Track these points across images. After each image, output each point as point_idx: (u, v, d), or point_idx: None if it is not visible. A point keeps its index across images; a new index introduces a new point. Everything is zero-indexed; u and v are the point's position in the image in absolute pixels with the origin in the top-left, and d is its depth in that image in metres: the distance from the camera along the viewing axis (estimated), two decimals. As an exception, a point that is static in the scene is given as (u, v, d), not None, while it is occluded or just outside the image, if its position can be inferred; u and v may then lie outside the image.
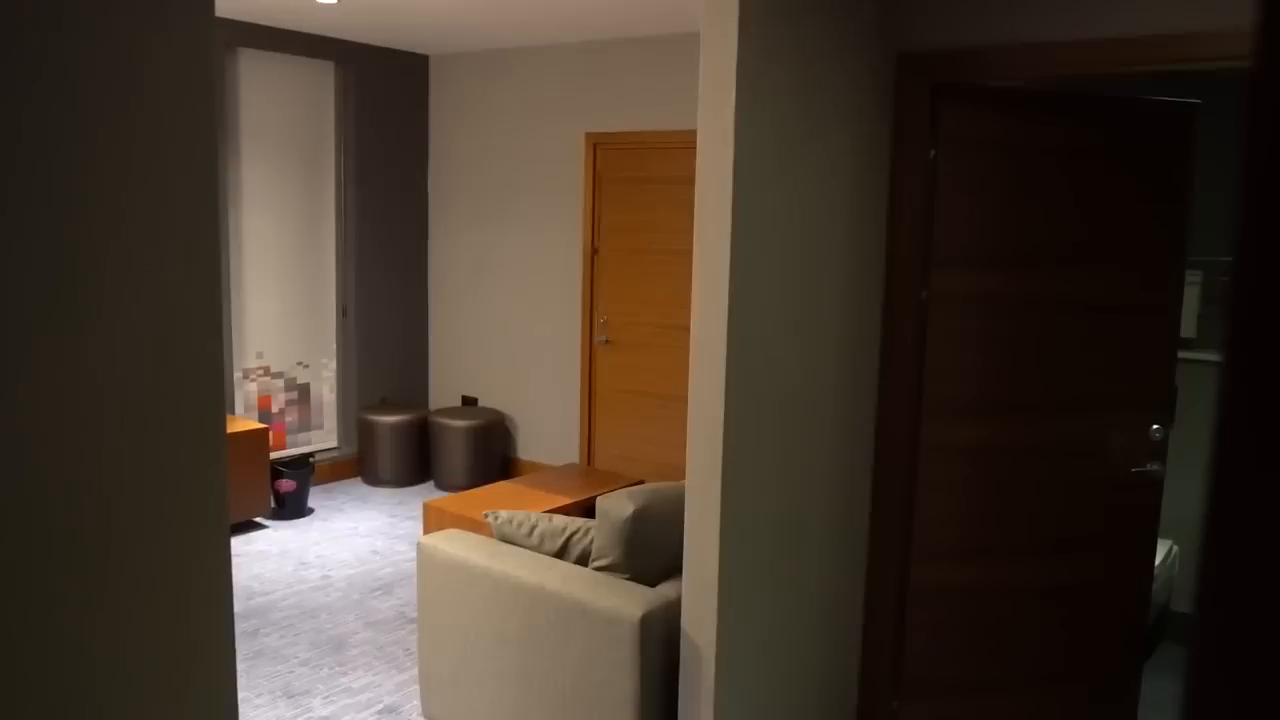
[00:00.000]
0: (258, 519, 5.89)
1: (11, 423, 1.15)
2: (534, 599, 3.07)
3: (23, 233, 1.14)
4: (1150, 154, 3.27)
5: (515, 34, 6.09)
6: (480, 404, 7.09)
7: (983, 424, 3.30)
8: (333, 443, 6.86)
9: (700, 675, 2.78)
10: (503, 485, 5.52)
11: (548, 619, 3.04)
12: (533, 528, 3.38)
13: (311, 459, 6.35)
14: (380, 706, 3.80)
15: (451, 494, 5.80)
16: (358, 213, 6.70)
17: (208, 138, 1.31)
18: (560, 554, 3.31)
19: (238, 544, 5.50)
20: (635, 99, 6.08)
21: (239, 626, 4.48)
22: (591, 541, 3.25)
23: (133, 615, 1.30)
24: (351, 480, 6.84)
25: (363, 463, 6.76)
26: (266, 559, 5.29)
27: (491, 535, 3.49)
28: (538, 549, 3.34)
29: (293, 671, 4.05)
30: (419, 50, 6.86)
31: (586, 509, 5.25)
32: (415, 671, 4.09)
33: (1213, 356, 4.53)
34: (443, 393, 7.31)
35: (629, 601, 2.88)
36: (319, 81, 6.49)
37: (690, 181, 5.77)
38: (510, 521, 3.42)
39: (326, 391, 6.80)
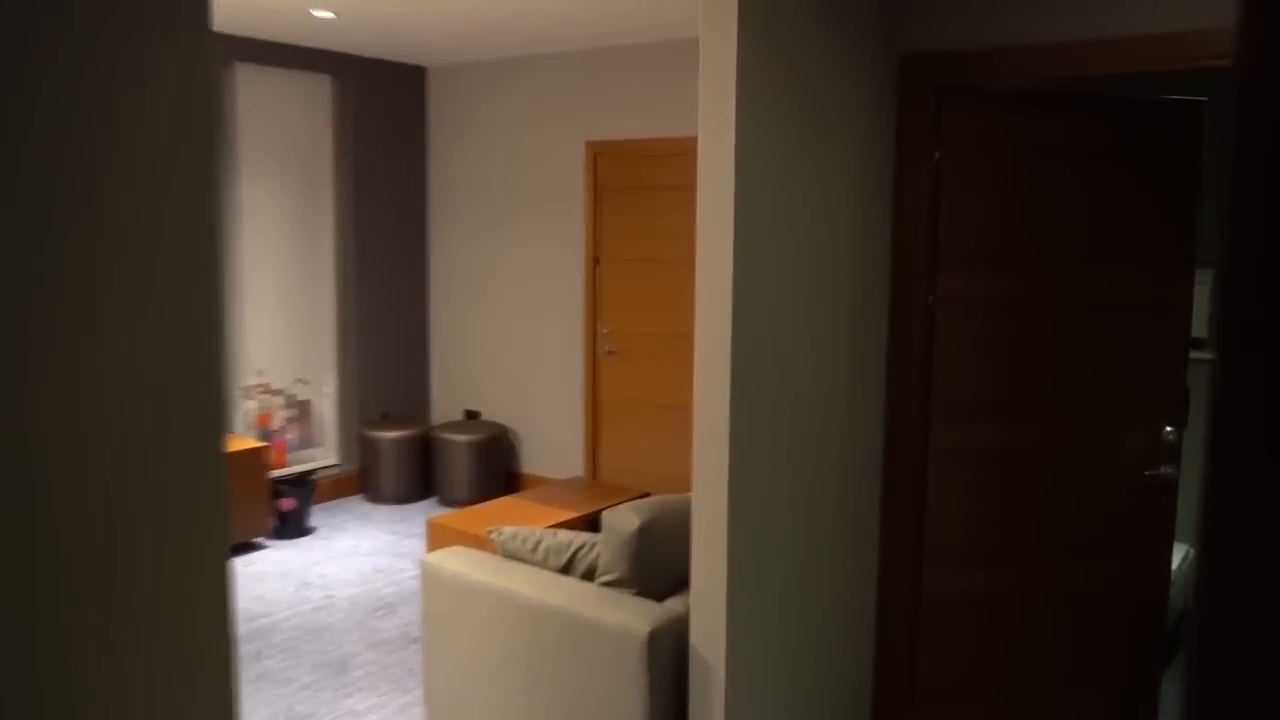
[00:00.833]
0: (258, 539, 5.89)
1: (13, 440, 1.16)
2: (539, 616, 3.07)
3: (25, 251, 1.15)
4: (1158, 153, 3.28)
5: (513, 43, 6.11)
6: (483, 418, 7.10)
7: (992, 427, 3.30)
8: (334, 459, 6.87)
9: (710, 691, 2.78)
10: (507, 500, 5.52)
11: (554, 636, 3.04)
12: (538, 543, 3.38)
13: (312, 476, 6.36)
14: (386, 727, 3.80)
15: (455, 510, 5.80)
16: (357, 227, 6.72)
17: (209, 154, 1.32)
18: (566, 570, 3.31)
19: (238, 565, 5.50)
20: (636, 106, 6.10)
21: (240, 650, 4.48)
22: (598, 556, 3.26)
23: (134, 639, 1.31)
24: (353, 498, 6.84)
25: (364, 480, 6.77)
26: (267, 579, 5.29)
27: (496, 552, 3.49)
28: (543, 565, 3.34)
29: (295, 695, 4.05)
30: (417, 62, 6.89)
31: (592, 523, 5.24)
32: (420, 693, 4.09)
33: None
34: (444, 407, 7.32)
35: (636, 617, 2.88)
36: (316, 95, 6.52)
37: (693, 188, 5.78)
38: (515, 537, 3.43)
39: (327, 408, 6.81)
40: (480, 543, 4.75)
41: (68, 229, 1.19)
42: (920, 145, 3.15)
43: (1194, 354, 4.42)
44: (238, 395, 6.27)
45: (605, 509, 3.33)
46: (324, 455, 6.81)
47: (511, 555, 3.42)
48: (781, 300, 2.82)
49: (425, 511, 6.53)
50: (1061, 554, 3.39)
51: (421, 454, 6.75)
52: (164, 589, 1.34)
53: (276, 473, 6.34)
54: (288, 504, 5.92)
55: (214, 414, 1.37)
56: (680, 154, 5.88)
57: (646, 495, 5.70)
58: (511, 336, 6.88)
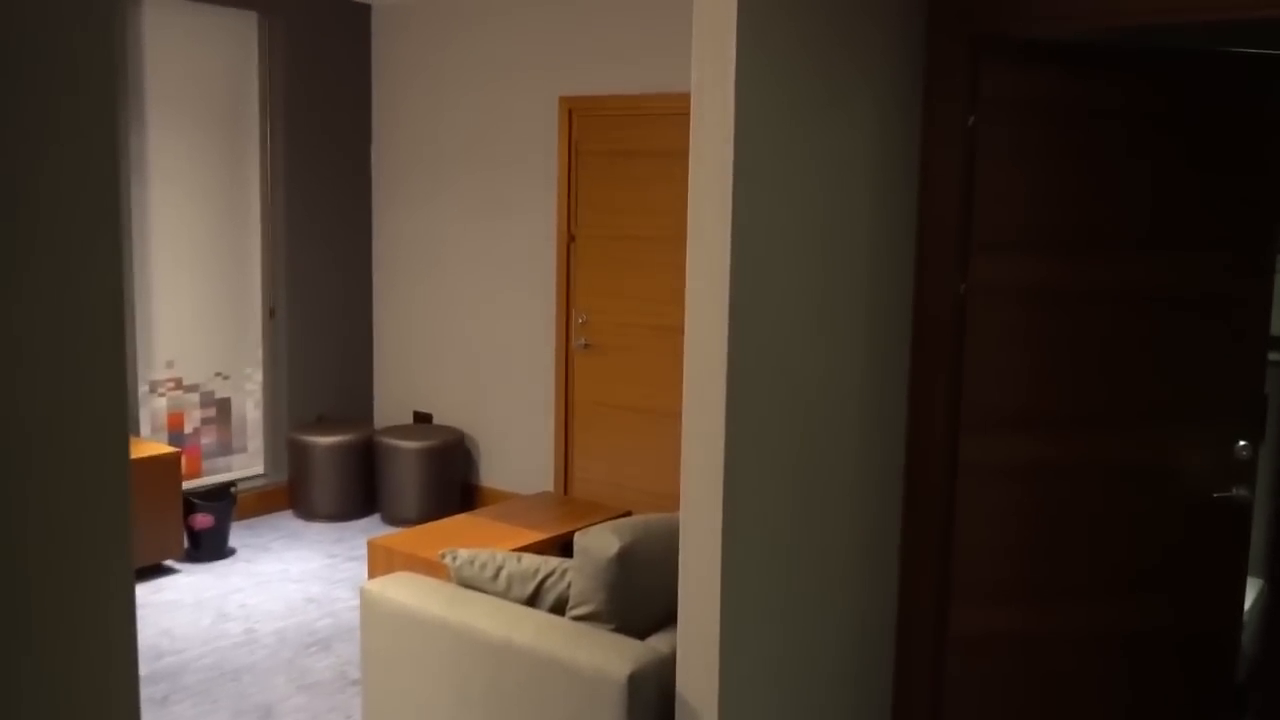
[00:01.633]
0: (167, 562, 5.88)
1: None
2: (501, 655, 3.08)
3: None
4: (1233, 118, 3.30)
5: (475, -22, 6.10)
6: (435, 421, 7.10)
7: (1033, 439, 3.32)
8: (259, 469, 6.85)
9: (699, 744, 2.79)
10: (462, 519, 5.52)
11: (518, 679, 3.05)
12: (499, 569, 3.39)
13: (233, 489, 6.34)
14: (317, 786, 3.80)
15: (401, 529, 5.80)
16: (287, 194, 6.71)
17: (107, 104, 1.32)
18: (532, 601, 3.32)
19: (144, 592, 5.50)
20: (619, 56, 6.10)
21: (145, 692, 4.48)
22: (569, 586, 3.26)
23: (15, 680, 1.30)
24: (281, 513, 6.83)
25: (294, 493, 6.76)
26: (179, 610, 5.28)
27: (449, 579, 3.49)
28: (505, 595, 3.35)
29: (211, 745, 4.05)
30: (359, -2, 6.88)
31: (563, 547, 5.25)
32: (359, 743, 4.09)
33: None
34: (390, 408, 7.31)
35: (614, 657, 2.89)
36: (240, 35, 6.50)
37: (685, 154, 5.79)
38: (472, 562, 3.43)
39: (251, 408, 6.79)
40: (431, 568, 4.75)
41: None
42: (952, 107, 3.17)
43: (1273, 355, 4.45)
44: (144, 392, 6.25)
45: (578, 530, 3.34)
46: (247, 463, 6.79)
47: (468, 583, 3.42)
48: (787, 287, 2.83)
49: (366, 530, 6.52)
50: (1113, 590, 3.41)
51: (363, 463, 6.74)
52: (51, 622, 1.33)
53: (190, 484, 6.33)
54: (203, 521, 5.91)
55: (114, 414, 1.37)
56: (671, 114, 5.89)
57: (627, 514, 5.71)
58: (470, 326, 6.88)
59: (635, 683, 2.84)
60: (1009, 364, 3.28)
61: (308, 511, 6.69)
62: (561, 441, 6.53)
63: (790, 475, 2.92)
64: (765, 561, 2.86)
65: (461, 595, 3.32)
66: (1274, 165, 3.35)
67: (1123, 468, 3.37)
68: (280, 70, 6.60)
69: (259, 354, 6.79)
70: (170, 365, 6.34)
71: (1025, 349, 3.28)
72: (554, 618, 3.16)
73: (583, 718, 2.91)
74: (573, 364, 6.46)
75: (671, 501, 6.04)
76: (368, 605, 3.41)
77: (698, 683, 2.79)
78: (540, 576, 3.33)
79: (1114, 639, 3.44)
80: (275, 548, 6.21)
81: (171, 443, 6.31)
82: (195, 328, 6.45)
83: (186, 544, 5.91)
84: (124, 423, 1.38)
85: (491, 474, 6.88)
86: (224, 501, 6.02)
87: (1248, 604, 4.36)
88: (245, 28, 6.51)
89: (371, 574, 5.10)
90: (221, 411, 6.64)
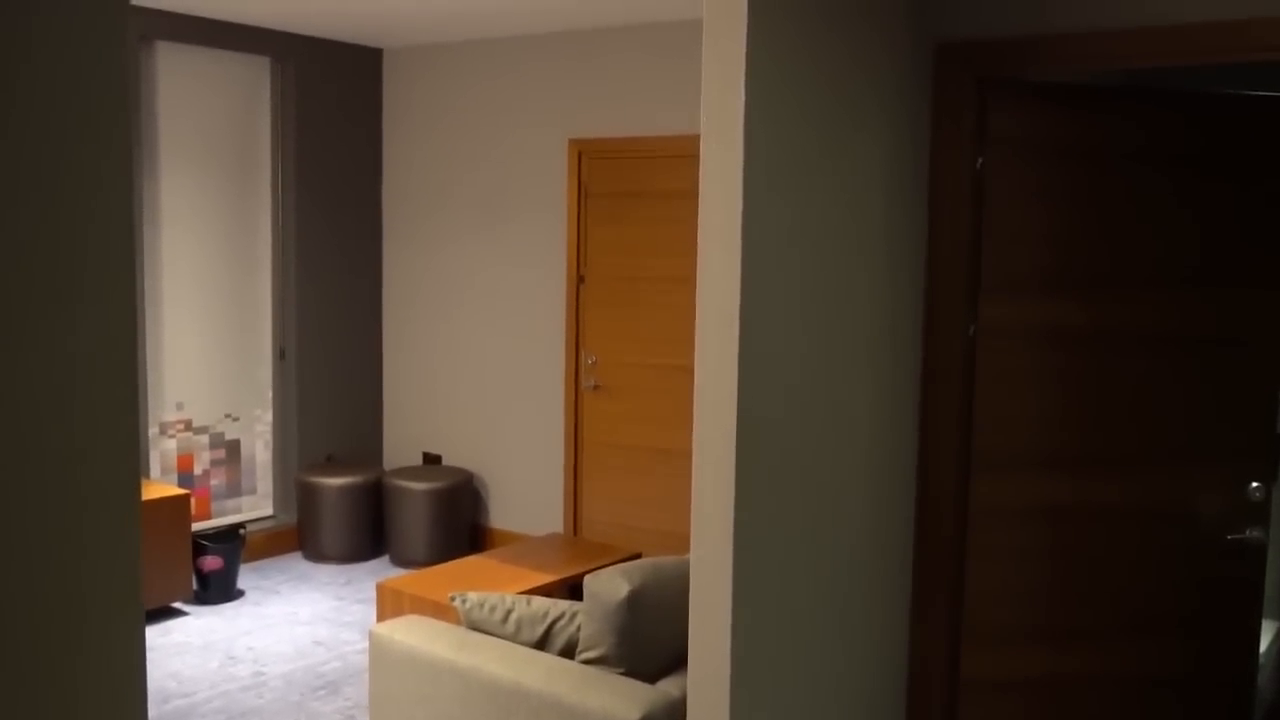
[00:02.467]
0: (176, 604, 5.87)
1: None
2: (510, 699, 3.06)
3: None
4: (1245, 158, 3.30)
5: (484, 23, 6.16)
6: (444, 462, 7.09)
7: (1045, 481, 3.30)
8: (267, 510, 6.85)
9: (710, 789, 2.77)
10: (471, 560, 5.50)
11: (526, 723, 3.03)
12: (508, 613, 3.37)
13: (242, 531, 6.33)
14: (324, 831, 3.77)
15: (410, 571, 5.78)
16: (298, 236, 6.74)
17: (120, 146, 1.32)
18: (541, 644, 3.30)
19: (153, 635, 5.48)
20: (628, 99, 6.14)
21: (153, 735, 4.45)
22: (579, 629, 3.25)
23: (26, 722, 1.30)
24: (290, 555, 6.82)
25: (303, 534, 6.75)
26: (187, 652, 5.27)
27: (459, 622, 3.48)
28: (514, 638, 3.33)
29: (218, 790, 4.03)
30: (371, 43, 6.94)
31: (573, 589, 5.23)
32: (367, 788, 4.06)
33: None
34: (400, 449, 7.30)
35: (624, 702, 2.87)
36: (252, 80, 6.56)
37: (694, 195, 5.81)
38: (481, 605, 3.42)
39: (260, 449, 6.79)
40: (440, 611, 4.73)
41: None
42: (960, 148, 3.18)
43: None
44: (154, 434, 6.25)
45: (588, 572, 3.33)
46: (256, 505, 6.79)
47: (477, 626, 3.40)
48: (797, 328, 2.83)
49: (375, 573, 6.51)
50: (1126, 633, 3.39)
51: (372, 505, 6.73)
52: (61, 666, 1.33)
53: (199, 526, 6.32)
54: (212, 563, 5.90)
55: (125, 456, 1.37)
56: (679, 155, 5.91)
57: (637, 556, 5.68)
58: (479, 367, 6.89)
59: (646, 727, 2.82)
60: (1021, 405, 3.28)
61: (316, 553, 6.67)
62: (571, 482, 6.52)
63: (800, 517, 2.90)
64: (776, 606, 2.84)
65: (471, 639, 3.30)
66: (1282, 206, 3.35)
67: (1136, 510, 3.35)
68: (292, 114, 6.65)
69: (269, 395, 6.80)
70: (180, 407, 6.35)
71: (1036, 390, 3.28)
72: (564, 661, 3.15)
73: (593, 762, 2.89)
74: (582, 405, 6.45)
75: (682, 542, 6.03)
76: (377, 648, 3.40)
77: (709, 727, 2.77)
78: (550, 620, 3.32)
79: (1127, 682, 3.41)
80: (284, 590, 6.19)
81: (181, 484, 6.31)
82: (205, 369, 6.46)
83: (195, 586, 5.89)
84: (135, 466, 1.38)
85: (501, 515, 6.86)
86: (233, 543, 6.01)
87: (1263, 646, 4.32)
88: (257, 72, 6.57)
89: (380, 616, 5.08)
90: (231, 453, 6.64)
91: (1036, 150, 3.21)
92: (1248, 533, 3.38)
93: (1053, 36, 3.01)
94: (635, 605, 3.05)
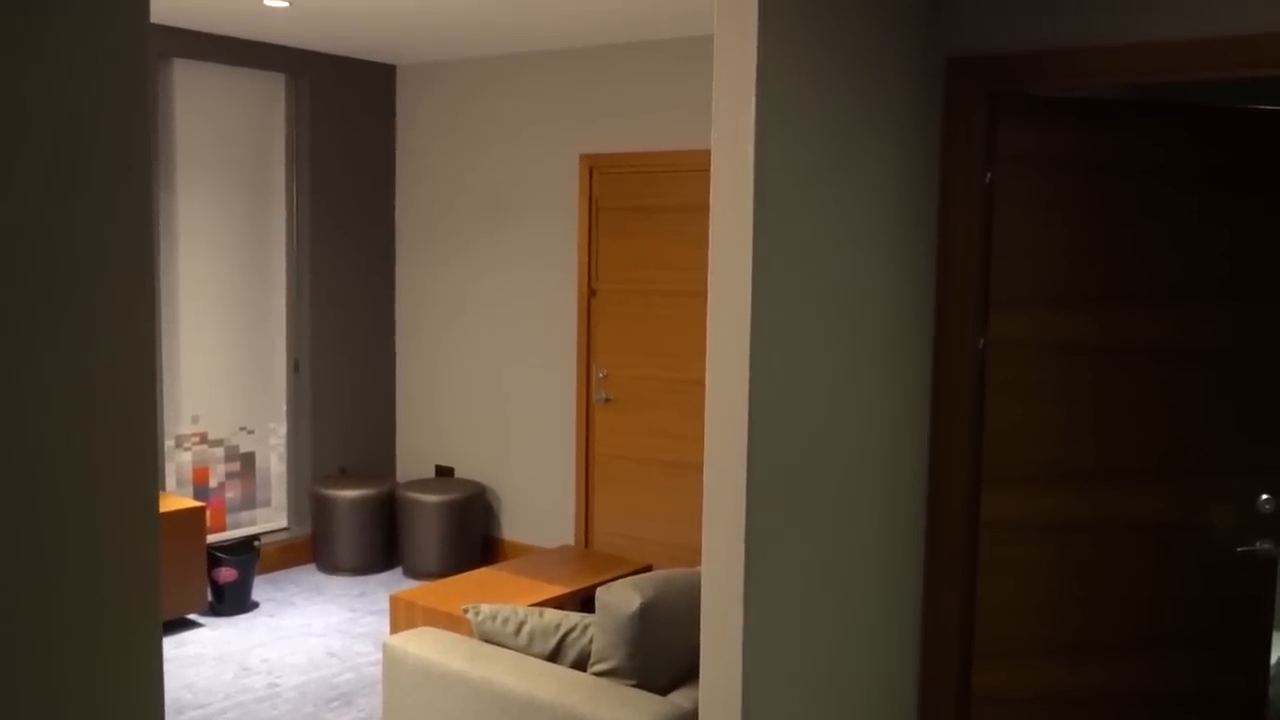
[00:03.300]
0: (191, 616, 5.87)
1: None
2: (523, 711, 3.05)
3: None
4: (1259, 172, 3.30)
5: (497, 39, 6.18)
6: (457, 474, 7.09)
7: (1055, 495, 3.30)
8: (282, 522, 6.85)
9: (722, 801, 2.76)
10: (484, 572, 5.50)
11: (538, 734, 3.02)
12: (520, 625, 3.37)
13: (256, 542, 6.34)
14: (338, 842, 3.77)
15: (423, 583, 5.78)
16: (312, 250, 6.76)
17: (141, 163, 1.33)
18: (554, 656, 3.30)
19: (168, 646, 5.48)
20: (639, 114, 6.15)
21: (168, 746, 4.45)
22: (590, 641, 3.24)
23: (45, 733, 1.30)
24: (304, 567, 6.82)
25: (317, 546, 6.75)
26: (202, 663, 5.27)
27: (471, 634, 3.48)
28: (526, 650, 3.33)
29: (233, 800, 4.03)
30: (384, 59, 6.96)
31: (584, 601, 5.22)
32: (380, 799, 4.05)
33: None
34: (412, 462, 7.31)
35: (636, 714, 2.87)
36: (268, 96, 6.59)
37: (704, 210, 5.82)
38: (494, 617, 3.42)
39: (275, 462, 6.81)
40: (453, 623, 4.73)
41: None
42: (971, 161, 3.18)
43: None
44: (170, 446, 6.27)
45: (600, 585, 3.33)
46: (270, 517, 6.80)
47: (489, 638, 3.40)
48: (807, 342, 2.84)
49: (388, 585, 6.51)
50: (1136, 646, 3.37)
51: (385, 517, 6.74)
52: (79, 677, 1.33)
53: (214, 538, 6.33)
54: (227, 575, 5.91)
55: (143, 469, 1.37)
56: (690, 170, 5.92)
57: (648, 569, 5.68)
58: (491, 380, 6.89)
59: (657, 739, 2.81)
60: (1031, 419, 3.27)
61: (330, 565, 6.68)
62: (582, 495, 6.51)
63: (811, 530, 2.90)
64: (787, 617, 2.84)
65: (483, 651, 3.30)
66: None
67: (1146, 523, 3.34)
68: (306, 129, 6.68)
69: (283, 408, 6.81)
70: (196, 420, 6.37)
71: (1046, 403, 3.27)
72: (576, 674, 3.14)
73: (605, 774, 2.89)
74: (593, 418, 6.45)
75: (692, 554, 6.02)
76: (390, 660, 3.40)
77: (720, 739, 2.76)
78: (562, 632, 3.32)
79: (1139, 697, 3.39)
80: (298, 601, 6.20)
81: (196, 497, 6.32)
82: (220, 382, 6.48)
83: (210, 598, 5.90)
84: (153, 480, 1.39)
85: (513, 527, 6.86)
86: (247, 555, 6.01)
87: (1273, 659, 4.30)
88: (273, 88, 6.60)
89: (393, 628, 5.08)
90: (246, 465, 6.65)
91: (1048, 164, 3.21)
92: (1258, 545, 3.37)
93: (1064, 51, 3.01)
94: (647, 617, 3.04)
